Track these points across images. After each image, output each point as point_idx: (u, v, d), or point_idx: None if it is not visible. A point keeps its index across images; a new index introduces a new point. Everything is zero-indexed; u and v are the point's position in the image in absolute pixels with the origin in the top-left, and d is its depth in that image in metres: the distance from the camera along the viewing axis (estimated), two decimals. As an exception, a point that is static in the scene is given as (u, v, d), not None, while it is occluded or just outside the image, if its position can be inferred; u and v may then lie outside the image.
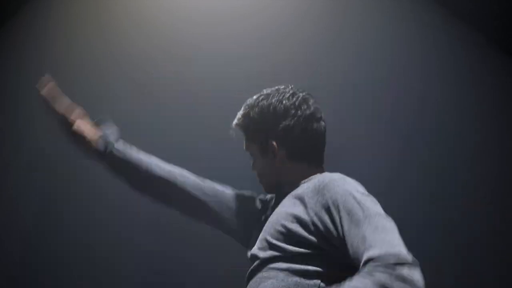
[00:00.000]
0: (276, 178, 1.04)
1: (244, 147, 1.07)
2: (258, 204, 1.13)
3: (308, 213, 0.90)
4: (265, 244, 0.95)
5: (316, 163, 1.04)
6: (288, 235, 0.92)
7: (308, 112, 1.03)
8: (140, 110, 1.82)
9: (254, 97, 1.06)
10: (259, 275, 0.93)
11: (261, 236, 0.97)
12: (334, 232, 0.84)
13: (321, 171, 1.02)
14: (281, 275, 0.89)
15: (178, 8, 1.99)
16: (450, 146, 1.91)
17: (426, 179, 1.89)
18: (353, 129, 1.86)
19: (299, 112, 1.03)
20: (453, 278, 1.76)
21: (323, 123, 1.04)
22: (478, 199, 1.86)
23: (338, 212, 0.83)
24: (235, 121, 1.06)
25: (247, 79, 1.89)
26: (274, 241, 0.93)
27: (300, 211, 0.92)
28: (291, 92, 1.05)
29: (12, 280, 1.77)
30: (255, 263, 0.95)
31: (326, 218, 0.86)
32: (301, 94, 1.05)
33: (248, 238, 1.06)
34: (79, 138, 1.10)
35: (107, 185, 1.68)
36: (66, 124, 1.11)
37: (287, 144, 1.02)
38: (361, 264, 0.75)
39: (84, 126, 1.11)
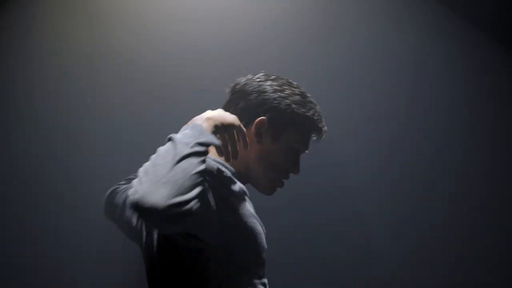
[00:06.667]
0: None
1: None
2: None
3: None
4: None
5: None
6: None
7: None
8: (135, 110, 1.81)
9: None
10: None
11: None
12: None
13: None
14: None
15: (171, 7, 1.99)
16: (444, 146, 1.92)
17: (420, 179, 1.90)
18: (345, 129, 1.88)
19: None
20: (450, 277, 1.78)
21: None
22: (472, 199, 1.88)
23: None
24: None
25: (239, 77, 1.89)
26: None
27: None
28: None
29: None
30: None
31: None
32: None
33: None
34: None
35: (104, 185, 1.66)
36: None
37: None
38: None
39: None
